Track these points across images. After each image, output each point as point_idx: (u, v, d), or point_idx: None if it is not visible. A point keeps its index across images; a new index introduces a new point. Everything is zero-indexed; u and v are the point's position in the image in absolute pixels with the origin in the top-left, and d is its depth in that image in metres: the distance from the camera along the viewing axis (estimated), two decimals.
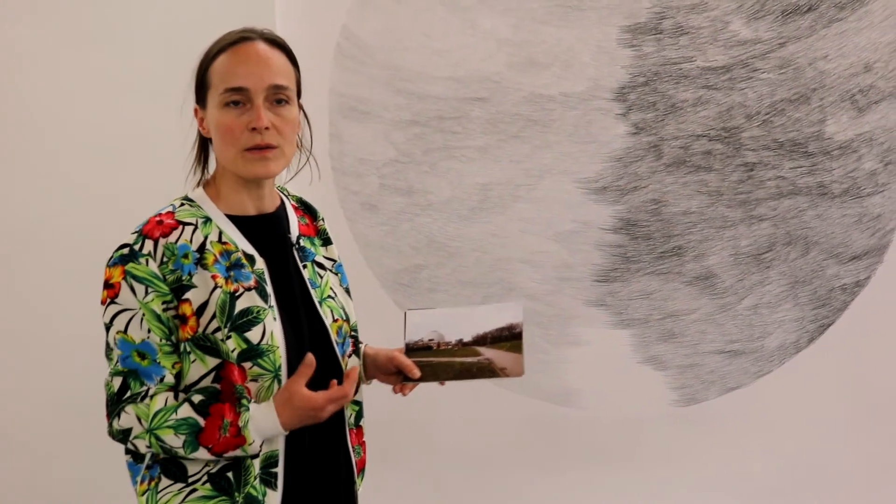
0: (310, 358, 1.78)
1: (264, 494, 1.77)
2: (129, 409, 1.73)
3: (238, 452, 1.73)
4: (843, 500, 3.22)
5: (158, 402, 1.72)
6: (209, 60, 1.80)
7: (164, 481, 1.78)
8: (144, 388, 1.73)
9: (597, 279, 3.25)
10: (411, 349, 1.90)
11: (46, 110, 3.14)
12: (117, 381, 1.73)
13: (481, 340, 1.88)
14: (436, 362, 1.87)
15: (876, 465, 3.22)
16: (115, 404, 1.74)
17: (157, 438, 1.71)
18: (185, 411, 1.72)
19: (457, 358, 1.87)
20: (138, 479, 1.82)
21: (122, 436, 1.74)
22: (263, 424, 1.74)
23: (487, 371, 1.87)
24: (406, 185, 3.24)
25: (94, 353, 3.07)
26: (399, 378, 1.94)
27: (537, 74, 3.21)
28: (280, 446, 1.78)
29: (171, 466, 1.78)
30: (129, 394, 1.73)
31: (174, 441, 1.71)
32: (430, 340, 1.88)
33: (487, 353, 1.88)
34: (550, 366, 3.27)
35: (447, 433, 3.29)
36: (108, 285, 1.74)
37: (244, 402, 1.75)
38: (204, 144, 1.89)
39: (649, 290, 3.24)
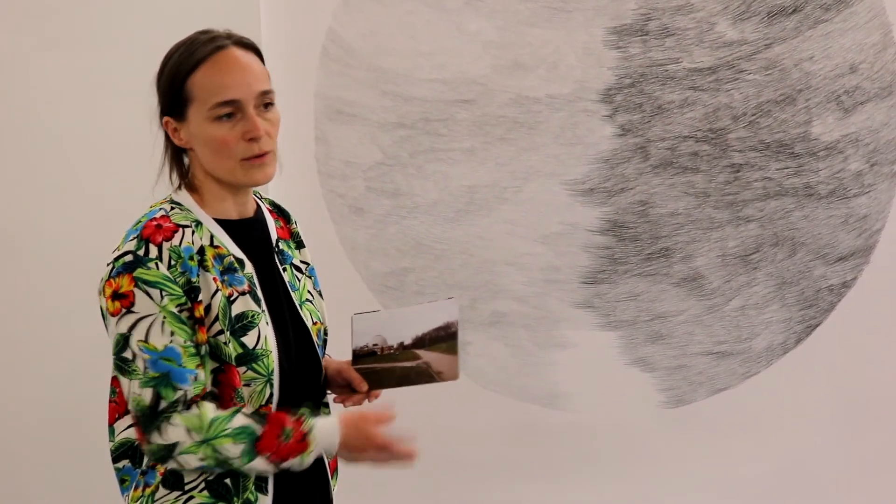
0: (390, 413, 1.81)
1: (256, 500, 1.77)
2: (177, 420, 1.67)
3: (295, 461, 1.72)
4: (832, 500, 3.23)
5: (209, 411, 1.68)
6: (186, 73, 1.76)
7: (161, 490, 1.76)
8: (180, 392, 1.67)
9: (584, 281, 3.25)
10: (357, 356, 1.90)
11: (29, 113, 3.12)
12: (147, 393, 1.67)
13: (420, 342, 1.86)
14: (379, 369, 1.87)
15: (864, 465, 3.23)
16: (151, 418, 1.67)
17: (214, 449, 1.67)
18: (241, 420, 1.69)
19: (398, 363, 1.87)
20: (133, 485, 1.80)
21: (165, 451, 1.68)
22: (324, 436, 1.74)
23: (425, 376, 1.87)
24: (392, 187, 3.23)
25: (80, 357, 3.06)
26: (347, 390, 1.96)
27: (523, 76, 3.20)
28: None
29: (169, 475, 1.76)
30: (164, 404, 1.67)
31: (232, 451, 1.68)
32: (374, 345, 1.88)
33: (426, 356, 1.87)
34: (537, 368, 3.26)
35: (432, 435, 3.26)
36: (118, 296, 1.69)
37: (302, 410, 1.76)
38: (177, 154, 1.86)
39: (637, 292, 3.24)
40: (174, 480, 1.75)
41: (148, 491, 1.76)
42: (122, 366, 1.70)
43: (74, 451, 3.13)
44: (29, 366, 3.14)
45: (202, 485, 1.75)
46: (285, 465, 1.71)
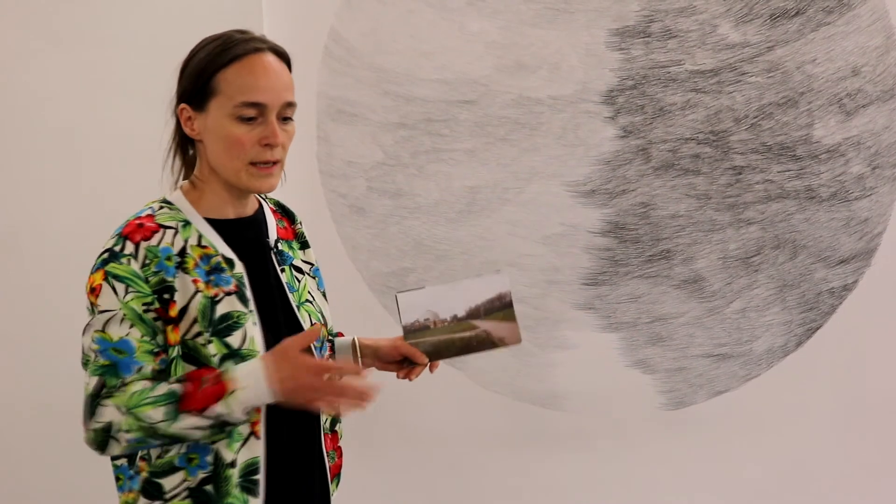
0: (316, 326, 1.75)
1: (245, 502, 1.76)
2: (106, 401, 1.67)
3: (219, 409, 1.65)
4: (832, 503, 3.22)
5: (135, 386, 1.67)
6: (218, 66, 1.77)
7: (142, 500, 1.75)
8: (120, 380, 1.68)
9: (585, 282, 3.25)
10: (409, 331, 1.91)
11: (30, 110, 3.12)
12: (94, 381, 1.69)
13: (475, 313, 1.90)
14: (436, 341, 1.89)
15: (864, 468, 3.23)
16: (90, 404, 1.68)
17: (137, 418, 1.64)
18: (164, 387, 1.67)
19: (455, 334, 1.89)
20: (125, 485, 1.80)
21: (103, 436, 1.67)
22: (246, 374, 1.66)
23: (487, 343, 1.91)
24: (394, 187, 3.23)
25: (78, 356, 3.06)
26: (403, 365, 1.95)
27: (525, 77, 3.20)
28: (261, 453, 1.77)
29: (147, 486, 1.75)
30: (104, 390, 1.67)
31: (154, 415, 1.64)
32: (426, 320, 1.89)
33: (484, 325, 1.91)
34: (538, 369, 3.26)
35: (432, 435, 3.28)
36: (90, 290, 1.72)
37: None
38: (183, 144, 1.87)
39: (637, 294, 3.24)
40: (153, 490, 1.75)
41: (132, 497, 1.77)
42: (83, 359, 1.73)
43: (75, 451, 3.13)
44: (30, 364, 3.13)
45: (184, 493, 1.74)
46: (212, 414, 1.64)
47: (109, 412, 1.67)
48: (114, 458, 1.80)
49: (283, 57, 1.84)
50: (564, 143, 3.21)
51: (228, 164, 1.78)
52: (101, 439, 1.68)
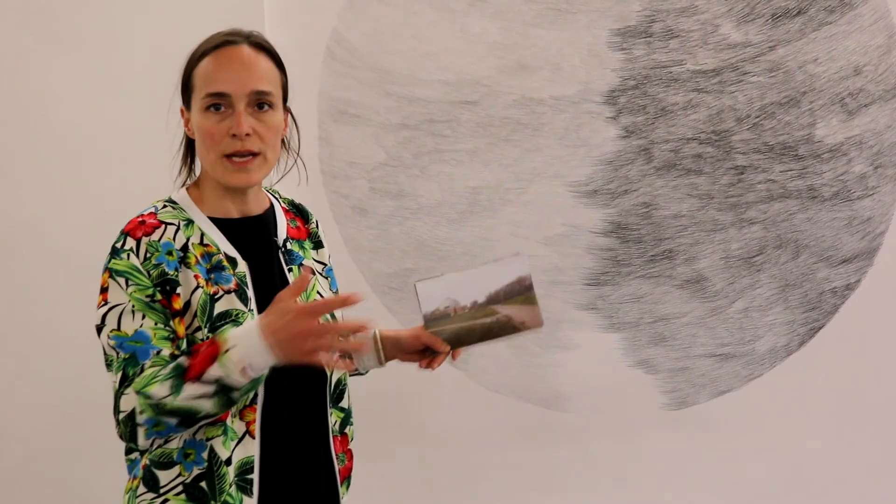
0: (305, 273, 1.72)
1: (241, 501, 1.75)
2: (128, 390, 1.65)
3: (217, 371, 1.61)
4: (834, 503, 3.22)
5: (151, 369, 1.66)
6: (194, 63, 1.80)
7: (142, 487, 1.75)
8: (140, 367, 1.67)
9: (587, 283, 3.24)
10: (429, 320, 1.89)
11: (32, 111, 3.12)
12: (118, 376, 1.68)
13: (495, 298, 1.88)
14: (457, 329, 1.88)
15: (867, 468, 3.22)
16: (115, 397, 1.68)
17: (146, 396, 1.62)
18: (172, 364, 1.65)
19: (476, 320, 1.87)
20: (133, 471, 1.81)
21: (129, 425, 1.65)
22: (240, 334, 1.63)
23: (508, 328, 1.88)
24: (396, 188, 3.23)
25: (83, 355, 3.06)
26: (425, 355, 1.94)
27: (527, 78, 3.20)
28: (255, 452, 1.76)
29: (147, 475, 1.75)
30: (127, 380, 1.66)
31: (161, 391, 1.62)
32: (446, 308, 1.88)
33: (504, 310, 1.88)
34: (541, 369, 3.26)
35: (433, 435, 3.27)
36: (101, 290, 1.73)
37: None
38: (190, 146, 1.89)
39: (640, 294, 3.23)
40: (151, 481, 1.75)
41: (135, 483, 1.77)
42: (106, 360, 1.72)
43: (75, 450, 3.13)
44: (30, 364, 3.13)
45: (179, 487, 1.74)
46: (210, 378, 1.61)
47: (131, 400, 1.65)
48: (128, 453, 1.80)
49: (265, 49, 1.82)
50: (566, 143, 3.21)
51: (206, 158, 1.78)
52: (128, 429, 1.66)
